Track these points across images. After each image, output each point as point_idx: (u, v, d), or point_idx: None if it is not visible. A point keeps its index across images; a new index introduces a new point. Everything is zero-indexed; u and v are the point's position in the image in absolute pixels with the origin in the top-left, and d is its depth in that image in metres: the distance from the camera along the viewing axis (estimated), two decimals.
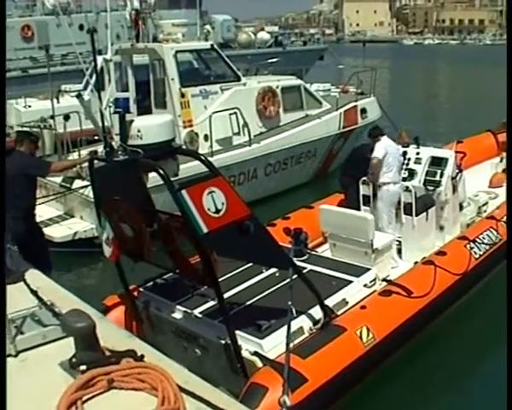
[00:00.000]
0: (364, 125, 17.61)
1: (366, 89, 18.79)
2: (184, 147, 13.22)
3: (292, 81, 16.83)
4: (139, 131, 6.06)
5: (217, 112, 14.16)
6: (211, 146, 13.81)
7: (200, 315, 6.75)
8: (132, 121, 6.26)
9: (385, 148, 9.65)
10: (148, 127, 6.21)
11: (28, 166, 8.77)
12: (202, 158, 5.67)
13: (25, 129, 13.68)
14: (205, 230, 5.17)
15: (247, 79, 16.09)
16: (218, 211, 5.24)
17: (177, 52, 14.25)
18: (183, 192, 5.10)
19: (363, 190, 9.98)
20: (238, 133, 14.61)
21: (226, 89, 14.91)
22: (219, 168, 10.46)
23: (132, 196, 5.81)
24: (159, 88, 14.57)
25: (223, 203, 5.28)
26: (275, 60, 21.46)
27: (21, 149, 8.92)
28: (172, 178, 5.39)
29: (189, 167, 7.53)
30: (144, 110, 14.46)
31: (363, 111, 17.85)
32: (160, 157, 5.85)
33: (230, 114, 14.41)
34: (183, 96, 14.03)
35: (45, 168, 9.14)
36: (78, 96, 13.81)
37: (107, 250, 6.25)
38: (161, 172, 5.18)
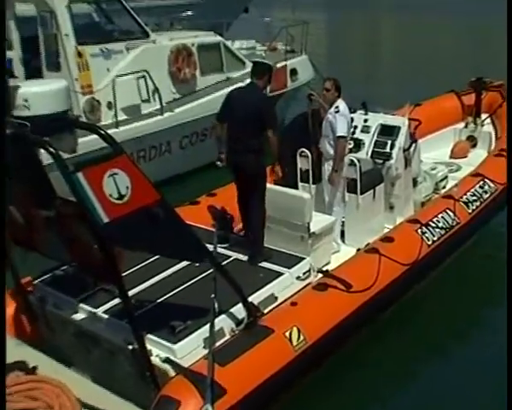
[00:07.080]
0: (294, 89, 17.71)
1: (297, 46, 18.87)
2: (84, 117, 13.06)
3: (210, 38, 16.79)
4: (26, 100, 5.90)
5: (122, 75, 14.00)
6: (115, 115, 13.67)
7: (105, 315, 6.68)
8: (18, 87, 6.07)
9: (348, 120, 9.20)
10: (38, 95, 6.07)
11: None
12: (102, 133, 5.54)
13: None
14: (105, 219, 5.06)
15: (157, 35, 15.92)
16: (121, 197, 5.14)
17: (70, 2, 13.92)
18: (79, 175, 4.90)
19: (302, 163, 9.76)
20: (148, 100, 14.54)
21: (132, 47, 14.77)
22: (126, 142, 10.38)
23: (24, 176, 5.68)
24: (50, 46, 14.17)
25: (127, 187, 5.16)
26: (189, 13, 21.30)
27: None
28: (69, 156, 5.27)
29: (89, 142, 7.41)
30: (34, 72, 14.09)
31: (294, 72, 17.94)
32: (52, 131, 5.68)
33: (138, 78, 14.28)
34: (80, 55, 13.75)
35: None
36: None
37: None
38: (51, 149, 4.98)
